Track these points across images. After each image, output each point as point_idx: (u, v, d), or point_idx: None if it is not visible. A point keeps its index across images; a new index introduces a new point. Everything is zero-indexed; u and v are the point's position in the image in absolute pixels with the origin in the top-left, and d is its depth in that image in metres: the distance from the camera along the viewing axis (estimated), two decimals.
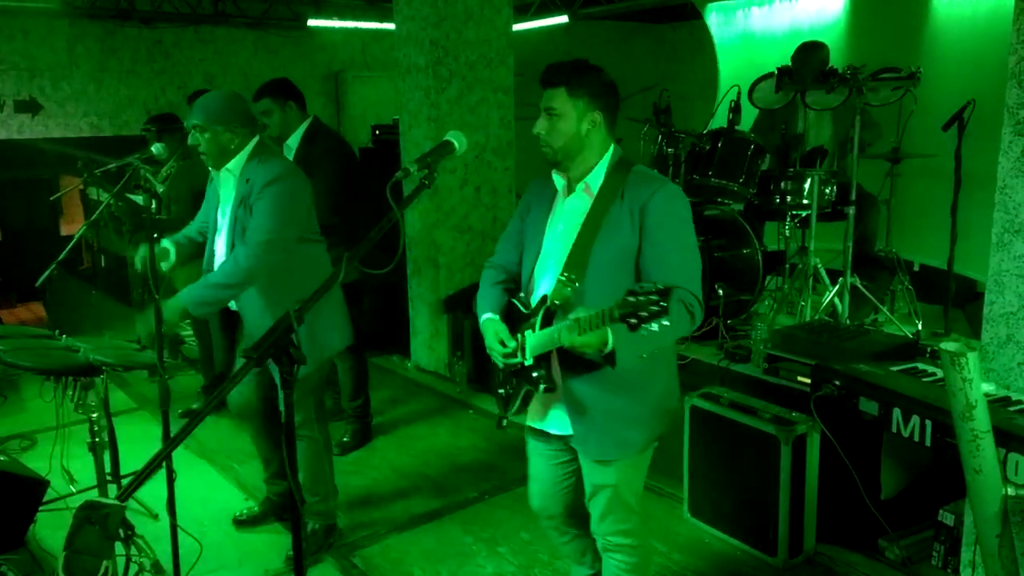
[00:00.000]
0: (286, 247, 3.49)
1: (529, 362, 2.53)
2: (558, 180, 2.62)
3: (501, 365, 2.62)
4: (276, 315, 3.50)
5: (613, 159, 2.56)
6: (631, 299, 2.05)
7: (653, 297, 2.02)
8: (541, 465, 2.83)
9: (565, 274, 2.44)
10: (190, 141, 3.51)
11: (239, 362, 3.80)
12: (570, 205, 2.59)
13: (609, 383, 2.49)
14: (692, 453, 3.93)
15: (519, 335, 2.56)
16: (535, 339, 2.50)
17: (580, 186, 2.56)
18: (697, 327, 2.51)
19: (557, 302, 2.44)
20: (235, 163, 3.53)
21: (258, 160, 3.53)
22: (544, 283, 2.57)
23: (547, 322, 2.46)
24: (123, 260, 5.68)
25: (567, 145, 2.51)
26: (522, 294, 2.66)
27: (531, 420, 2.71)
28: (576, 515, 2.89)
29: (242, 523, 4.07)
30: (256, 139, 3.58)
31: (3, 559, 3.33)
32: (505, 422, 2.71)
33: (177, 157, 5.33)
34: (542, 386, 2.52)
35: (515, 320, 2.62)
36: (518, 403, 2.61)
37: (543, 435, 2.73)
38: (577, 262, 2.47)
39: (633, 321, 2.04)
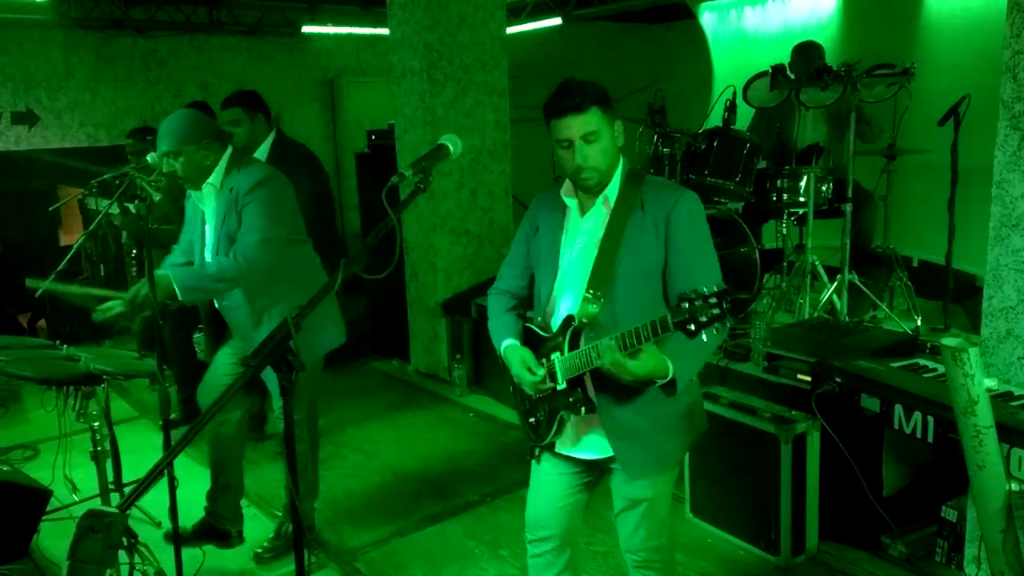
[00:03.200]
0: (279, 247, 3.52)
1: (562, 386, 2.43)
2: (570, 201, 2.52)
3: (531, 393, 2.53)
4: (266, 313, 3.58)
5: (625, 168, 2.49)
6: (685, 305, 1.99)
7: (712, 300, 1.96)
8: (552, 475, 2.66)
9: (590, 291, 2.35)
10: (165, 168, 3.45)
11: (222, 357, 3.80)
12: (587, 221, 2.50)
13: (647, 398, 2.40)
14: (693, 453, 3.93)
15: (543, 360, 2.47)
16: (567, 362, 2.40)
17: (599, 199, 2.46)
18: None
19: (584, 320, 2.35)
20: (215, 177, 3.53)
21: (237, 169, 3.54)
22: (565, 303, 2.49)
23: (574, 343, 2.38)
24: (123, 269, 5.68)
25: (611, 163, 2.42)
26: (539, 318, 2.58)
27: (563, 447, 2.58)
28: (570, 539, 2.72)
29: (171, 537, 3.75)
30: (230, 150, 3.59)
31: (7, 569, 3.33)
32: (537, 451, 2.63)
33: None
34: (583, 409, 2.41)
35: (534, 346, 2.53)
36: (554, 429, 2.51)
37: (571, 462, 2.62)
38: (601, 277, 2.38)
39: (692, 328, 1.98)
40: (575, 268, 2.48)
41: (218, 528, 3.95)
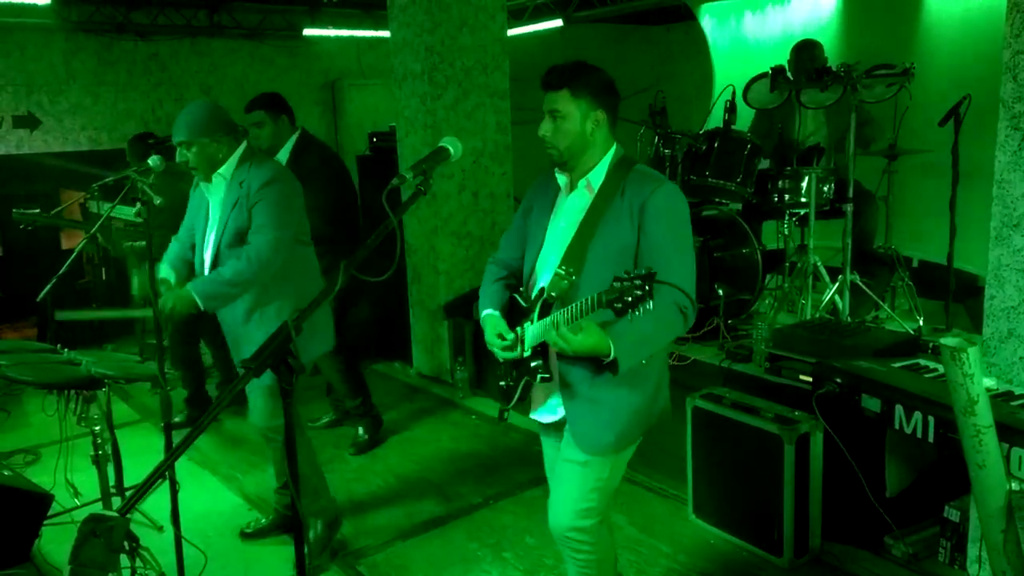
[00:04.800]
0: (289, 246, 3.55)
1: (527, 353, 2.57)
2: (560, 178, 2.66)
3: (501, 359, 2.66)
4: (257, 312, 3.58)
5: (615, 157, 2.61)
6: (616, 284, 2.09)
7: (637, 282, 2.06)
8: (553, 457, 2.84)
9: (563, 267, 2.46)
10: (178, 158, 3.52)
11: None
12: (571, 202, 2.63)
13: (602, 376, 2.50)
14: (695, 454, 3.93)
15: (519, 328, 2.61)
16: (533, 331, 2.54)
17: (582, 183, 2.60)
18: (691, 327, 2.54)
19: (554, 294, 2.47)
20: (226, 168, 3.56)
21: (250, 163, 3.58)
22: (544, 277, 2.61)
23: (544, 314, 2.50)
24: (124, 274, 5.69)
25: (572, 145, 2.55)
26: (523, 289, 2.71)
27: (532, 412, 2.75)
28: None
29: (248, 535, 4.04)
30: (244, 144, 3.62)
31: (9, 574, 3.33)
32: (506, 414, 2.74)
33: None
34: (540, 376, 2.55)
35: (517, 315, 2.66)
36: (518, 394, 2.65)
37: (551, 431, 2.79)
38: (575, 256, 2.51)
39: (619, 306, 2.08)
40: (555, 245, 2.62)
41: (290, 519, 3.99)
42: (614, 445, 2.60)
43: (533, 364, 2.56)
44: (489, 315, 2.71)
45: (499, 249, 2.92)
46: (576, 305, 2.27)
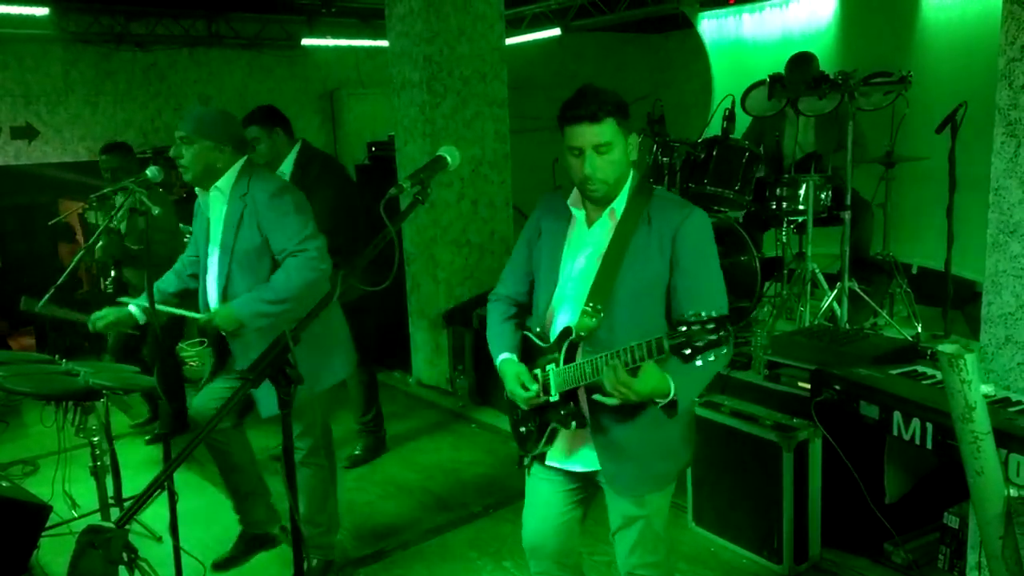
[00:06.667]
0: (322, 244, 3.40)
1: (555, 398, 2.40)
2: (576, 212, 2.47)
3: (525, 407, 2.49)
4: (274, 331, 3.52)
5: (635, 181, 2.44)
6: (683, 328, 1.97)
7: (710, 326, 1.94)
8: (545, 491, 2.63)
9: (590, 304, 2.30)
10: (172, 152, 3.38)
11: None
12: (592, 232, 2.45)
13: (643, 416, 2.36)
14: (695, 462, 3.91)
15: (538, 371, 2.45)
16: (561, 375, 2.37)
17: (606, 212, 2.41)
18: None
19: (582, 333, 2.31)
20: (224, 182, 3.42)
21: (251, 177, 3.43)
22: (564, 315, 2.44)
23: (571, 355, 2.35)
24: (124, 284, 5.67)
25: (620, 176, 2.37)
26: (538, 328, 2.52)
27: (553, 459, 2.55)
28: (568, 560, 2.71)
29: (219, 567, 3.87)
30: (244, 159, 3.48)
31: None
32: (527, 460, 2.61)
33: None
34: (573, 423, 2.39)
35: (532, 355, 2.51)
36: (543, 440, 2.49)
37: (565, 476, 2.59)
38: (602, 291, 2.33)
39: (687, 352, 1.96)
40: (576, 280, 2.43)
41: (259, 535, 3.95)
42: (655, 483, 2.48)
43: (563, 411, 2.39)
44: (506, 360, 2.52)
45: (501, 283, 2.71)
46: (629, 350, 2.13)
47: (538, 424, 2.50)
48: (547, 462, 2.56)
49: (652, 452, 2.44)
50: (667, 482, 2.53)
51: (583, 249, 2.45)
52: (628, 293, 2.33)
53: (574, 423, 2.39)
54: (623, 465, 2.43)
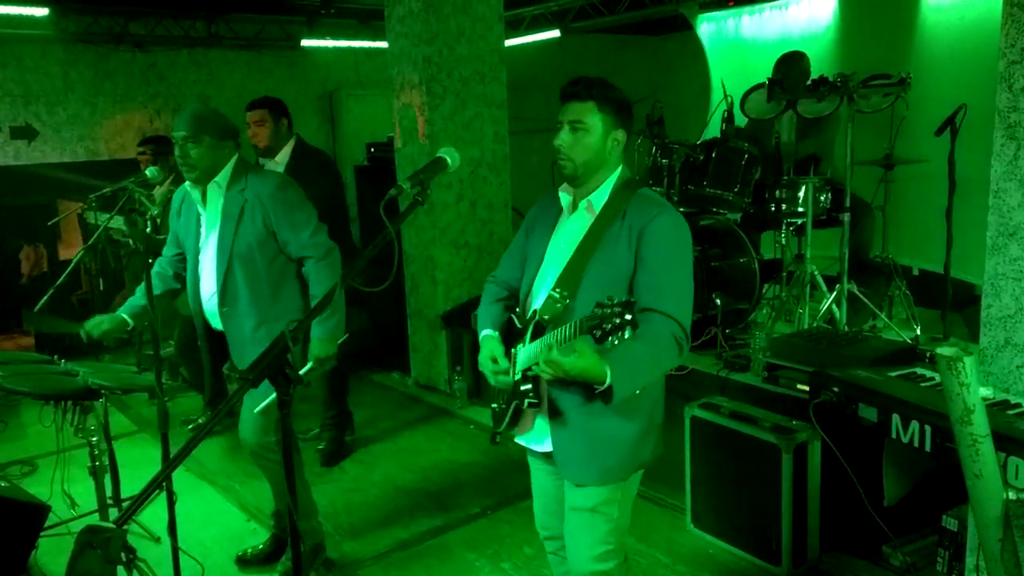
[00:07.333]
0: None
1: (517, 377, 2.50)
2: (564, 197, 2.60)
3: (493, 382, 2.59)
4: (264, 328, 3.50)
5: (620, 179, 2.53)
6: (597, 310, 2.05)
7: (616, 309, 2.01)
8: (542, 479, 2.79)
9: (557, 290, 2.38)
10: (177, 154, 3.39)
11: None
12: (572, 222, 2.56)
13: (595, 404, 2.40)
14: (694, 464, 3.92)
15: (513, 350, 2.56)
16: (524, 353, 2.49)
17: (583, 204, 2.52)
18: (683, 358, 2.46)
19: (547, 317, 2.38)
20: (222, 176, 3.45)
21: (246, 173, 3.48)
22: (539, 299, 2.53)
23: (536, 337, 2.44)
24: (123, 283, 5.69)
25: (589, 161, 2.47)
26: (519, 310, 2.65)
27: (519, 436, 2.67)
28: None
29: (247, 562, 3.90)
30: (237, 155, 3.52)
31: None
32: (498, 437, 2.70)
33: (172, 180, 5.37)
34: (528, 401, 2.48)
35: (514, 336, 2.60)
36: (508, 418, 2.58)
37: (539, 457, 2.70)
38: (570, 279, 2.44)
39: (598, 333, 2.03)
40: (552, 266, 2.56)
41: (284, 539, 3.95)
42: (599, 476, 2.51)
43: (523, 388, 2.49)
44: (487, 336, 2.64)
45: (499, 267, 2.85)
46: (561, 330, 2.24)
47: (505, 402, 2.61)
48: (516, 440, 2.68)
49: (602, 443, 2.49)
50: (614, 478, 2.53)
51: (564, 238, 2.57)
52: (594, 283, 2.42)
53: (527, 401, 2.48)
54: (570, 448, 2.51)
